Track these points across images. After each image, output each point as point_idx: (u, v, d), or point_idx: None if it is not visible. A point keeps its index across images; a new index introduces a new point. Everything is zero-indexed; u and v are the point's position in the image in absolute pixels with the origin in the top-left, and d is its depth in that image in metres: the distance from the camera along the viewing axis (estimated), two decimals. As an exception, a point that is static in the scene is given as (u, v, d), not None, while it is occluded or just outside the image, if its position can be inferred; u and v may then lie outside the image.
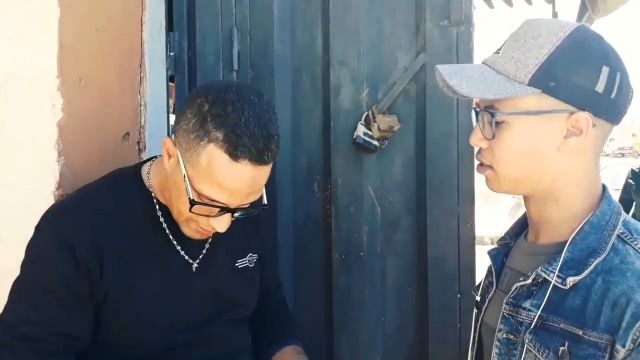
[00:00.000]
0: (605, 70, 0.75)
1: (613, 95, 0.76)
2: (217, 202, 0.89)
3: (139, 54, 1.39)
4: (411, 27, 1.54)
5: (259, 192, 0.94)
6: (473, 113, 0.85)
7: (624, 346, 0.70)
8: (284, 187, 1.54)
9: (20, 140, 1.14)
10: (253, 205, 0.94)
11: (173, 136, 0.93)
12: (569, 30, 0.77)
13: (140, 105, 1.40)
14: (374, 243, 1.56)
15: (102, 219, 0.96)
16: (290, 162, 1.55)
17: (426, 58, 1.51)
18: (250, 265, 1.11)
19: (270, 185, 1.02)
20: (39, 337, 0.90)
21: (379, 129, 1.50)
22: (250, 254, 1.11)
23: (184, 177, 0.89)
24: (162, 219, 1.00)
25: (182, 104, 0.92)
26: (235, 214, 0.93)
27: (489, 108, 0.81)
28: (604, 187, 0.85)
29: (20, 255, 1.10)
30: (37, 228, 0.98)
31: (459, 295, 1.48)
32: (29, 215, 1.12)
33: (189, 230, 0.98)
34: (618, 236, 0.79)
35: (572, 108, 0.77)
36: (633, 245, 0.77)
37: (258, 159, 0.87)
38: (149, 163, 1.05)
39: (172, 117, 1.59)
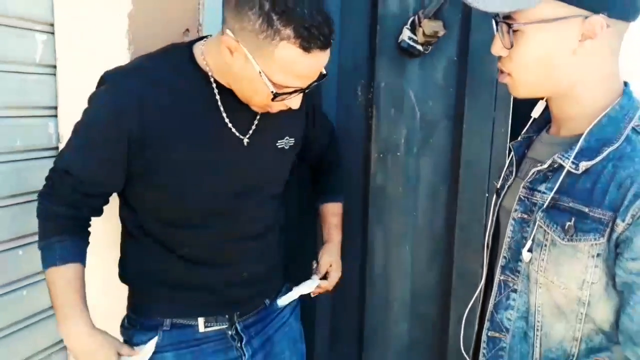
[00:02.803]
0: None
1: None
2: (294, 87, 0.98)
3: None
4: None
5: None
6: (493, 22, 0.89)
7: (623, 221, 0.79)
8: (329, 90, 1.63)
9: (95, 27, 1.27)
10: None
11: (228, 31, 0.95)
12: None
13: (199, 4, 1.50)
14: (412, 144, 1.65)
15: (157, 88, 1.03)
16: (336, 65, 1.61)
17: (476, -37, 1.51)
18: (286, 148, 1.19)
19: (315, 87, 1.08)
20: (79, 177, 1.04)
21: (424, 33, 1.53)
22: (287, 137, 1.19)
23: (260, 73, 0.95)
24: (217, 96, 1.06)
25: (236, 1, 0.93)
26: (307, 90, 1.02)
27: (507, 19, 0.85)
28: (626, 84, 0.90)
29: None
30: (99, 83, 1.07)
31: (487, 194, 1.59)
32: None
33: (259, 109, 1.08)
34: (633, 128, 0.84)
35: (586, 12, 0.79)
36: None
37: (326, 45, 0.95)
38: (200, 43, 1.09)
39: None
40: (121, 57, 1.26)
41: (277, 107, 1.05)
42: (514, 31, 0.85)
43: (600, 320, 0.86)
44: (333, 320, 1.81)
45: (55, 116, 1.32)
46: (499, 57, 0.91)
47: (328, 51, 0.97)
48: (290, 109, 1.06)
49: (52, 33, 1.28)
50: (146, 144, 1.02)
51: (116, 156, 1.03)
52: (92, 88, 1.18)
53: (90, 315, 1.05)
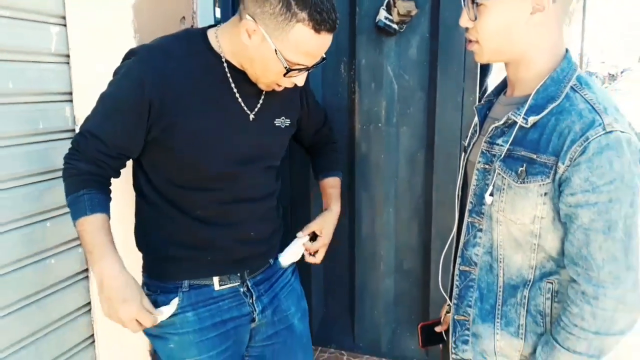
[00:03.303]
0: None
1: None
2: (303, 65, 1.12)
3: (190, -53, 1.60)
4: None
5: None
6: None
7: (563, 163, 0.96)
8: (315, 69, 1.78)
9: (103, 18, 1.41)
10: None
11: (247, 16, 1.09)
12: None
13: (193, -6, 1.65)
14: (391, 115, 1.82)
15: (175, 64, 1.14)
16: (320, 45, 1.77)
17: (442, -53, 1.67)
18: (282, 127, 1.31)
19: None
20: (102, 139, 1.14)
21: (398, 13, 1.70)
22: (284, 118, 1.31)
23: (276, 51, 1.08)
24: (228, 74, 1.19)
25: None
26: (310, 70, 1.16)
27: None
28: (567, 50, 1.07)
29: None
30: (125, 57, 1.19)
31: (462, 154, 1.76)
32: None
33: (265, 87, 1.20)
34: (571, 87, 1.01)
35: None
36: (581, 93, 1.01)
37: (333, 28, 1.10)
38: (214, 29, 1.21)
39: (217, 10, 1.82)
40: (128, 45, 1.39)
41: (284, 83, 1.18)
42: (478, 5, 1.02)
43: (549, 249, 1.04)
44: (326, 278, 1.99)
45: (71, 101, 1.45)
46: (466, 29, 1.07)
47: (332, 35, 1.13)
48: (290, 90, 1.21)
49: (65, 25, 1.41)
50: (165, 113, 1.14)
51: (138, 122, 1.14)
52: (103, 73, 1.29)
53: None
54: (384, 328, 2.01)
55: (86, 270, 1.52)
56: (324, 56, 1.17)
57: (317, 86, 1.82)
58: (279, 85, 1.20)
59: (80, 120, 1.42)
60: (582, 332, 0.98)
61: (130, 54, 1.19)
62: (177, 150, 1.19)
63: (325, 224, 1.47)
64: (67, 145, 1.20)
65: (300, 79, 1.19)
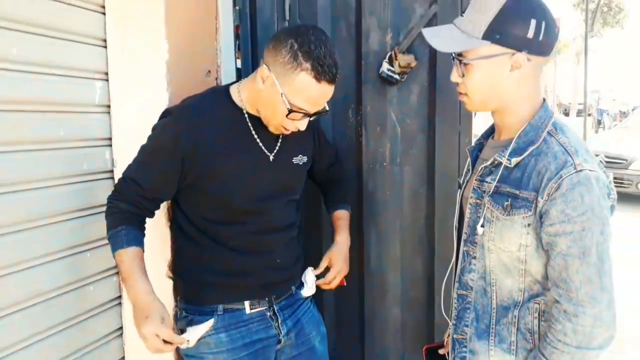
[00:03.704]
0: (532, 22, 1.09)
1: (540, 38, 1.12)
2: (304, 110, 1.29)
3: (215, 9, 1.82)
4: (427, -18, 1.90)
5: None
6: (451, 59, 1.22)
7: (542, 198, 1.11)
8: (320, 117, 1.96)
9: (139, 73, 1.60)
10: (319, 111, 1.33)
11: (264, 65, 1.28)
12: None
13: (217, 50, 1.85)
14: (395, 156, 1.99)
15: (204, 120, 1.33)
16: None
17: (437, 8, 1.88)
18: (300, 164, 1.49)
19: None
20: (141, 184, 1.32)
21: (399, 65, 1.89)
22: (301, 155, 1.49)
23: (282, 94, 1.26)
24: (249, 123, 1.39)
25: (274, 44, 1.27)
26: (312, 118, 1.34)
27: (459, 56, 1.19)
28: (544, 99, 1.23)
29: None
30: (162, 116, 1.38)
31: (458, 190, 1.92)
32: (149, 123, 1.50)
33: (274, 129, 1.37)
34: (548, 132, 1.17)
35: (512, 51, 1.11)
36: (556, 137, 1.16)
37: (332, 80, 1.27)
38: (236, 85, 1.42)
39: (238, 62, 2.03)
40: (161, 97, 1.58)
41: (289, 126, 1.33)
42: (465, 65, 1.18)
43: (535, 273, 1.18)
44: (337, 309, 2.11)
45: (110, 145, 1.63)
46: (457, 83, 1.23)
47: (333, 87, 1.30)
48: (300, 131, 1.38)
49: (107, 80, 1.60)
50: (197, 161, 1.32)
51: (172, 172, 1.33)
52: (139, 121, 1.49)
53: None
54: (392, 353, 2.12)
55: (120, 297, 1.66)
56: (327, 108, 1.34)
57: (328, 130, 1.98)
58: (286, 129, 1.35)
59: (117, 163, 1.60)
60: (565, 346, 1.10)
61: (166, 113, 1.39)
62: (209, 192, 1.36)
63: (333, 255, 1.60)
64: (106, 184, 1.38)
65: (302, 124, 1.34)
